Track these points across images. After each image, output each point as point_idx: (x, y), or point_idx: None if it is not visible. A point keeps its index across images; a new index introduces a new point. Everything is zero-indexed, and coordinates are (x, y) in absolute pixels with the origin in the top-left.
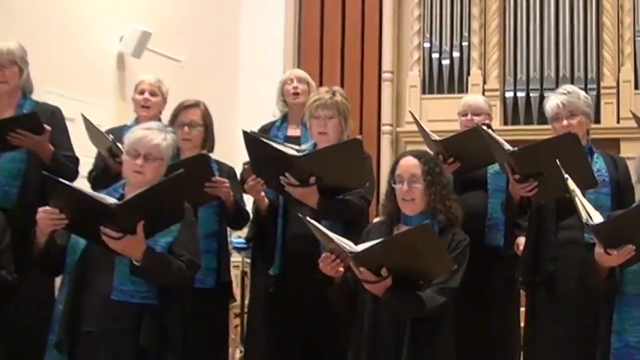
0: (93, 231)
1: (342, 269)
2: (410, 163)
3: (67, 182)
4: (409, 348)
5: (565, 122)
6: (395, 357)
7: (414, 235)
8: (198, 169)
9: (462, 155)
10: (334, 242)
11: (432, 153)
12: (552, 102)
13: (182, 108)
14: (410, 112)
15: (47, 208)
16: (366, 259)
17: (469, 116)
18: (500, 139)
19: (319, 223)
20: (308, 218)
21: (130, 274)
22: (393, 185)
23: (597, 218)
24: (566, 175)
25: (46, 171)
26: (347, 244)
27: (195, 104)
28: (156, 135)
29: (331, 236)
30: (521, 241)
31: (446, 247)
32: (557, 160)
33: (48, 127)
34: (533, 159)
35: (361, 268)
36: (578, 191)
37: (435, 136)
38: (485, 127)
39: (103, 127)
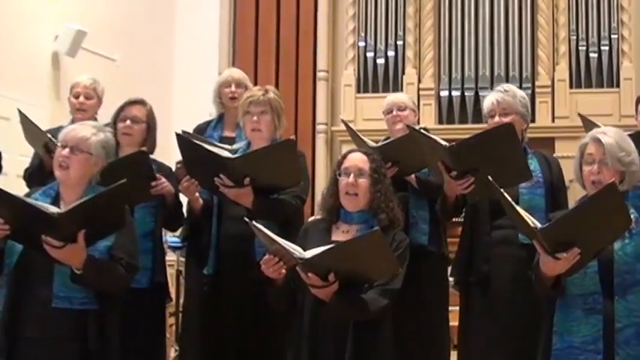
0: (34, 239)
1: (283, 271)
2: (358, 157)
3: (8, 191)
4: (352, 349)
5: (497, 119)
6: (336, 357)
7: (365, 241)
8: (137, 167)
9: (399, 160)
10: (278, 245)
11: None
12: (488, 99)
13: (128, 103)
14: (342, 120)
15: None
16: (315, 265)
17: (394, 112)
18: (436, 137)
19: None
20: (254, 222)
21: (71, 282)
22: (338, 178)
23: (537, 222)
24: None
25: None
26: (295, 250)
27: (142, 102)
28: (86, 129)
29: (276, 240)
30: None
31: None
32: (492, 160)
33: None
34: (470, 152)
35: (309, 274)
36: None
37: (372, 143)
38: (422, 130)
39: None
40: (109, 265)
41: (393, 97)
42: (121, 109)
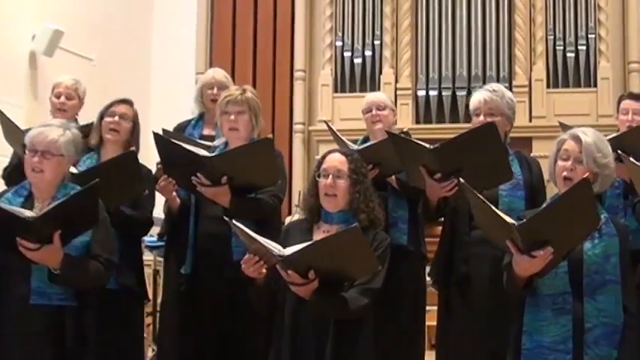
0: (9, 242)
1: (264, 270)
2: (337, 158)
3: None
4: (333, 347)
5: (482, 118)
6: (317, 356)
7: (344, 237)
8: (125, 167)
9: (381, 162)
10: (258, 244)
11: None
12: (476, 97)
13: (117, 101)
14: (324, 121)
15: None
16: (295, 262)
17: (374, 111)
18: (417, 141)
19: (232, 222)
20: (234, 221)
21: (49, 282)
22: (318, 179)
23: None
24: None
25: None
26: (274, 247)
27: (130, 102)
28: (53, 131)
29: (257, 238)
30: None
31: None
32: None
33: None
34: (453, 153)
35: (289, 271)
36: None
37: (353, 145)
38: (402, 134)
39: None
40: (86, 262)
41: (372, 97)
42: (110, 106)
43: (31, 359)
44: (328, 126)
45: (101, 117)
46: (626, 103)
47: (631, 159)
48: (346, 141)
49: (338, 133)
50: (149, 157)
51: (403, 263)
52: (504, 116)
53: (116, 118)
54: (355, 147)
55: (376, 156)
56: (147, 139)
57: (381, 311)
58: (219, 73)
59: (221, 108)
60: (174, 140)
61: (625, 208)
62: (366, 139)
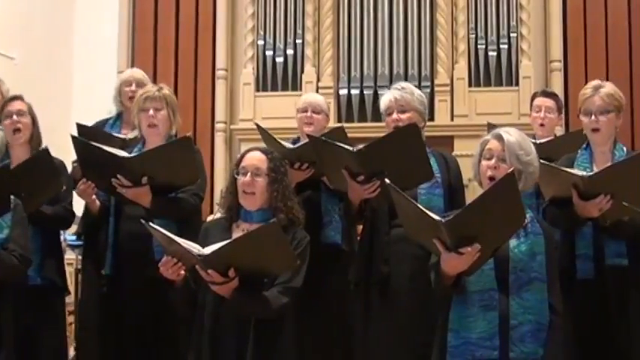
0: None
1: (183, 272)
2: (256, 156)
3: None
4: (253, 348)
5: (395, 116)
6: (237, 357)
7: (262, 233)
8: (42, 166)
9: (316, 161)
10: (177, 245)
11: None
12: (386, 97)
13: (7, 101)
14: (256, 124)
15: None
16: (214, 261)
17: (309, 113)
18: (340, 144)
19: (153, 222)
20: (151, 224)
21: None
22: (236, 177)
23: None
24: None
25: None
26: (194, 247)
27: (21, 97)
28: None
29: (175, 239)
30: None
31: None
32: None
33: None
34: (377, 155)
35: (209, 271)
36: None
37: (290, 145)
38: (336, 131)
39: None
40: (1, 255)
41: (310, 98)
42: (2, 108)
43: None
44: (259, 127)
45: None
46: (539, 101)
47: (541, 160)
48: (280, 141)
49: (270, 133)
50: (71, 155)
51: (336, 263)
52: (417, 112)
53: (14, 117)
54: (290, 146)
55: (311, 155)
56: (68, 138)
57: (310, 311)
58: (137, 72)
59: (139, 105)
60: (92, 143)
61: (538, 207)
62: (296, 140)
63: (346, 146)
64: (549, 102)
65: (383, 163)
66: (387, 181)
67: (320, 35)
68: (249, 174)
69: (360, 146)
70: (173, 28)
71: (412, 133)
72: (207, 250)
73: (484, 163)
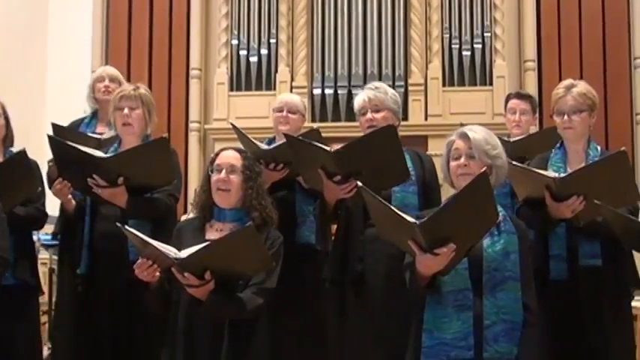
0: None
1: (157, 274)
2: (230, 154)
3: None
4: (227, 349)
5: (369, 115)
6: (211, 356)
7: (239, 237)
8: (19, 168)
9: (291, 161)
10: (152, 247)
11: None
12: (359, 97)
13: None
14: (232, 124)
15: None
16: (191, 264)
17: (284, 112)
18: (318, 144)
19: (128, 222)
20: (126, 227)
21: None
22: (210, 174)
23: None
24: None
25: None
26: (170, 250)
27: None
28: None
29: (150, 242)
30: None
31: None
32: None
33: None
34: (354, 155)
35: (186, 274)
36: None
37: (264, 146)
38: (312, 132)
39: None
40: None
41: (287, 97)
42: None
43: None
44: (234, 127)
45: None
46: (514, 103)
47: (514, 162)
48: (255, 141)
49: (245, 133)
50: (45, 155)
51: (310, 262)
52: (391, 111)
53: None
54: (265, 147)
55: (287, 155)
56: (43, 138)
57: (284, 310)
58: (109, 68)
59: (115, 104)
60: (69, 142)
61: (513, 207)
62: (272, 140)
63: (322, 146)
64: (524, 105)
65: (360, 163)
66: (359, 183)
67: (294, 35)
68: (223, 171)
69: (338, 146)
70: (147, 28)
71: (389, 134)
72: (184, 253)
73: (453, 163)
